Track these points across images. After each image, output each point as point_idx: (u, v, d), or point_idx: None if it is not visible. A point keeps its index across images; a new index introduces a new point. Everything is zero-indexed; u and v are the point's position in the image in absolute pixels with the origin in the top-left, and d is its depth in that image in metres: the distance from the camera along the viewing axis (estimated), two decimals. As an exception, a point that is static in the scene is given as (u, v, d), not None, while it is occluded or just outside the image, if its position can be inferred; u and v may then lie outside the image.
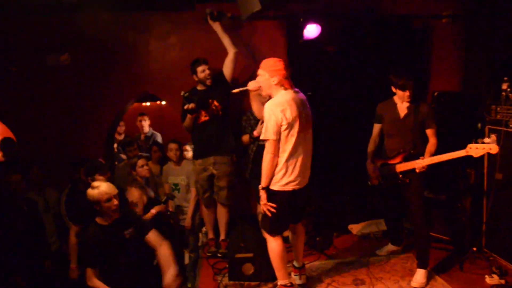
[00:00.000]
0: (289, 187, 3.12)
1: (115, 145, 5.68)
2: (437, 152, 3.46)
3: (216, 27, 4.33)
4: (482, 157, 3.75)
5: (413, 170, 3.49)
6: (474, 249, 3.89)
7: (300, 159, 3.11)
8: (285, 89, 3.09)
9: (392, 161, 3.66)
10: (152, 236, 3.26)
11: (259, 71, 3.14)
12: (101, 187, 3.09)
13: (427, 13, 4.77)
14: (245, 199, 4.83)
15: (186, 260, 4.78)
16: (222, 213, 4.33)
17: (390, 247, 4.12)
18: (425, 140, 3.56)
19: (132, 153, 4.94)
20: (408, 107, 3.57)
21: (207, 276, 3.89)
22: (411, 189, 3.56)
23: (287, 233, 3.67)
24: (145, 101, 7.37)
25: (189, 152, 4.92)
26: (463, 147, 3.27)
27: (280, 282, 3.30)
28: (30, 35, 4.54)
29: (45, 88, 4.63)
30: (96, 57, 4.63)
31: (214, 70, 4.24)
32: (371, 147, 3.90)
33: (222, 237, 4.37)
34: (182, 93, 4.06)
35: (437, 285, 3.49)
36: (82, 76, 4.64)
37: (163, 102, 7.06)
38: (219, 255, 4.23)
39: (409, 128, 3.56)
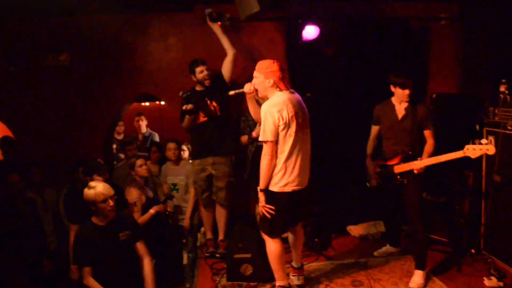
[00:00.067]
0: (289, 188, 3.12)
1: (114, 146, 5.68)
2: (435, 153, 3.47)
3: (215, 28, 4.34)
4: (480, 159, 3.77)
5: (411, 171, 3.50)
6: (473, 251, 3.90)
7: (299, 159, 3.11)
8: (281, 90, 3.11)
9: (390, 162, 3.66)
10: (141, 245, 3.34)
11: (254, 73, 3.16)
12: (97, 188, 3.09)
13: (425, 15, 4.78)
14: (244, 199, 4.84)
15: (185, 260, 4.78)
16: (220, 214, 4.34)
17: (388, 248, 4.12)
18: (423, 141, 3.57)
19: (131, 152, 4.94)
20: (405, 108, 3.58)
21: (206, 276, 3.90)
22: (409, 190, 3.57)
23: (285, 234, 3.67)
24: (144, 101, 7.37)
25: (185, 152, 4.92)
26: (461, 149, 3.28)
27: (278, 283, 3.30)
28: (30, 36, 4.56)
29: (44, 88, 4.64)
30: (95, 58, 4.64)
31: (212, 70, 4.25)
32: (369, 148, 3.91)
33: (220, 237, 4.37)
34: (181, 93, 4.06)
35: (435, 287, 3.49)
36: (81, 76, 4.65)
37: (162, 102, 7.06)
38: (217, 255, 4.23)
39: (407, 130, 3.56)
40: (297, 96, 3.20)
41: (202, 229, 4.62)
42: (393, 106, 3.65)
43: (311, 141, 3.27)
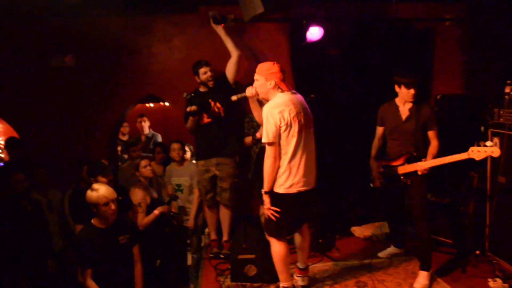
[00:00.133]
0: (294, 189, 3.09)
1: (119, 148, 5.71)
2: (440, 155, 3.46)
3: (219, 30, 4.35)
4: (485, 160, 3.75)
5: (415, 172, 3.49)
6: (477, 252, 3.88)
7: (303, 159, 3.09)
8: (282, 91, 3.10)
9: (394, 163, 3.66)
10: (136, 250, 3.37)
11: (255, 76, 3.16)
12: (100, 190, 3.10)
13: (430, 16, 4.77)
14: (248, 200, 4.84)
15: (189, 261, 4.79)
16: (224, 214, 4.35)
17: (392, 249, 4.12)
18: (428, 142, 3.56)
19: (136, 153, 4.97)
20: (409, 109, 3.57)
21: (210, 277, 3.90)
22: (413, 191, 3.56)
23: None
24: (149, 102, 7.39)
25: (187, 153, 4.93)
26: (466, 150, 3.27)
27: (282, 284, 3.28)
28: (35, 37, 4.59)
29: (49, 89, 4.67)
30: (100, 59, 4.67)
31: (217, 72, 4.27)
32: (374, 149, 3.91)
33: (224, 238, 4.38)
34: (185, 94, 4.08)
35: (439, 288, 3.50)
36: (86, 78, 4.68)
37: (166, 103, 7.09)
38: (221, 256, 4.24)
39: (411, 131, 3.56)
40: (299, 96, 3.19)
41: (206, 230, 4.63)
42: (397, 107, 3.64)
43: (315, 142, 3.26)
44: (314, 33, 4.36)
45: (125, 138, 5.96)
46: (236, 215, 4.42)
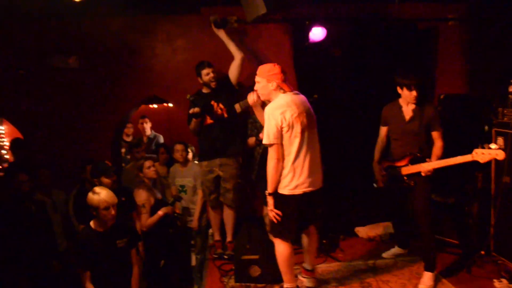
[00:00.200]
0: (299, 190, 3.07)
1: (123, 150, 5.73)
2: (444, 155, 3.44)
3: (221, 34, 4.34)
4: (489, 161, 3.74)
5: (419, 173, 3.47)
6: (482, 252, 3.87)
7: (307, 160, 3.07)
8: (285, 92, 3.10)
9: (398, 164, 3.65)
10: (134, 253, 3.38)
11: (256, 78, 3.15)
12: (101, 194, 3.10)
13: (433, 15, 4.75)
14: (251, 201, 4.84)
15: (193, 262, 4.81)
16: (228, 215, 4.35)
17: (396, 250, 4.10)
18: (432, 143, 3.53)
19: (139, 154, 4.98)
20: (413, 110, 3.55)
21: (214, 277, 3.90)
22: (417, 192, 3.54)
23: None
24: (152, 103, 7.41)
25: (189, 154, 4.94)
26: (470, 150, 3.24)
27: (286, 285, 3.28)
28: (39, 39, 4.61)
29: (53, 90, 4.69)
30: (104, 60, 4.69)
31: (220, 72, 4.27)
32: (377, 150, 3.89)
33: (228, 239, 4.38)
34: (188, 96, 4.09)
35: (444, 289, 3.48)
36: (90, 79, 4.70)
37: (170, 104, 7.11)
38: (225, 257, 4.24)
39: (414, 131, 3.54)
40: (301, 97, 3.18)
41: (210, 230, 4.64)
42: (400, 108, 3.62)
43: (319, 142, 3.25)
44: (317, 33, 4.36)
45: (129, 139, 5.98)
46: (240, 215, 4.42)
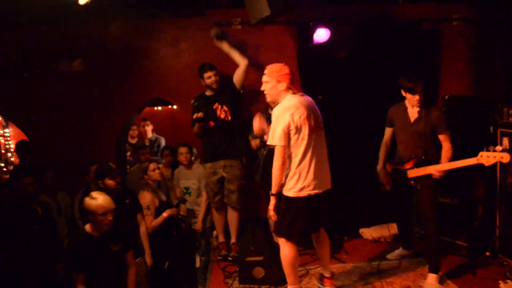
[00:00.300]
0: (304, 193, 3.05)
1: (128, 153, 5.75)
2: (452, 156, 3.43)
3: (224, 46, 4.33)
4: (494, 161, 3.72)
5: (424, 176, 3.47)
6: (488, 254, 3.85)
7: (313, 162, 3.05)
8: (294, 93, 3.09)
9: (403, 166, 3.64)
10: (130, 255, 3.39)
11: (265, 78, 3.12)
12: (99, 200, 3.09)
13: (437, 16, 4.74)
14: (256, 202, 4.84)
15: (197, 264, 4.81)
16: (232, 217, 4.36)
17: (401, 251, 4.09)
18: (437, 145, 3.52)
19: (144, 156, 5.00)
20: (418, 112, 3.54)
21: (218, 279, 3.91)
22: (422, 194, 3.53)
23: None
24: (157, 106, 7.44)
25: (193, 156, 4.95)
26: (475, 151, 3.24)
27: (290, 287, 3.27)
28: (44, 42, 4.65)
29: (58, 93, 4.73)
30: (108, 63, 4.72)
31: (224, 74, 4.28)
32: (382, 151, 3.88)
33: (232, 240, 4.39)
34: (192, 101, 4.13)
35: (449, 290, 3.47)
36: (94, 82, 4.73)
37: (174, 106, 7.13)
38: (229, 258, 4.24)
39: (419, 133, 3.52)
40: (308, 98, 3.17)
41: (214, 232, 4.64)
42: (405, 109, 3.61)
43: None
44: (321, 35, 4.36)
45: (134, 141, 6.02)
46: (244, 217, 4.42)
